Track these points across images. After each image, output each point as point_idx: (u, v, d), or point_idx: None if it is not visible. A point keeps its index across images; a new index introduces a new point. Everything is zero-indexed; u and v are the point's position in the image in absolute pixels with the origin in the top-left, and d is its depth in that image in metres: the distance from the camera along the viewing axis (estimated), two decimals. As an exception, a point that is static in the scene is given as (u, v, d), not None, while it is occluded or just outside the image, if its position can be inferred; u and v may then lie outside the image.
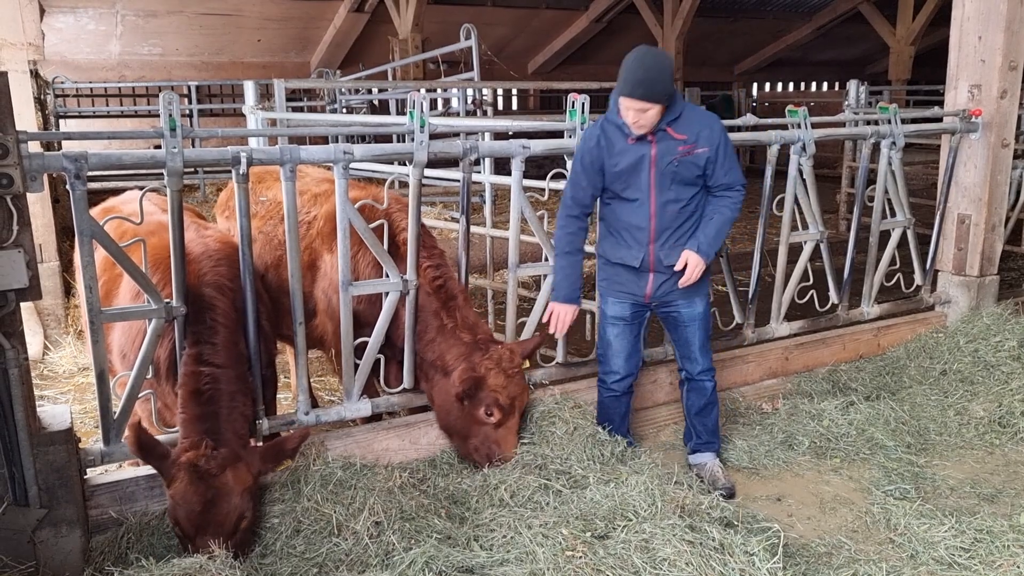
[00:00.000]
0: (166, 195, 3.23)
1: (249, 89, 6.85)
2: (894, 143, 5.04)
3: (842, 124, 5.91)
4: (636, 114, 3.46)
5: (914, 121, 5.48)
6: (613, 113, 3.62)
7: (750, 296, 4.82)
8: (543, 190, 4.51)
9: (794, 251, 4.85)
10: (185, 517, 2.96)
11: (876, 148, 5.11)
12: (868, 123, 5.49)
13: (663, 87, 3.42)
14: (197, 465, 2.95)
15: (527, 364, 4.01)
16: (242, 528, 3.05)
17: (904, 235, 5.35)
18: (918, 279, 5.56)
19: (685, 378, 4.03)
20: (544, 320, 3.85)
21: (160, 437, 3.43)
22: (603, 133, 3.65)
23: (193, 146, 3.47)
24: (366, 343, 3.76)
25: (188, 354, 3.25)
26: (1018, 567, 2.98)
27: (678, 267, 3.67)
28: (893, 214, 5.32)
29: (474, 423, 3.72)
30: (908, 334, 5.42)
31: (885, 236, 5.30)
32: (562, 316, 3.79)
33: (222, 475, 2.97)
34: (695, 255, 3.65)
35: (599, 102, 4.39)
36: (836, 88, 23.89)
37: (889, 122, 5.03)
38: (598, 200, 3.80)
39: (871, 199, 5.18)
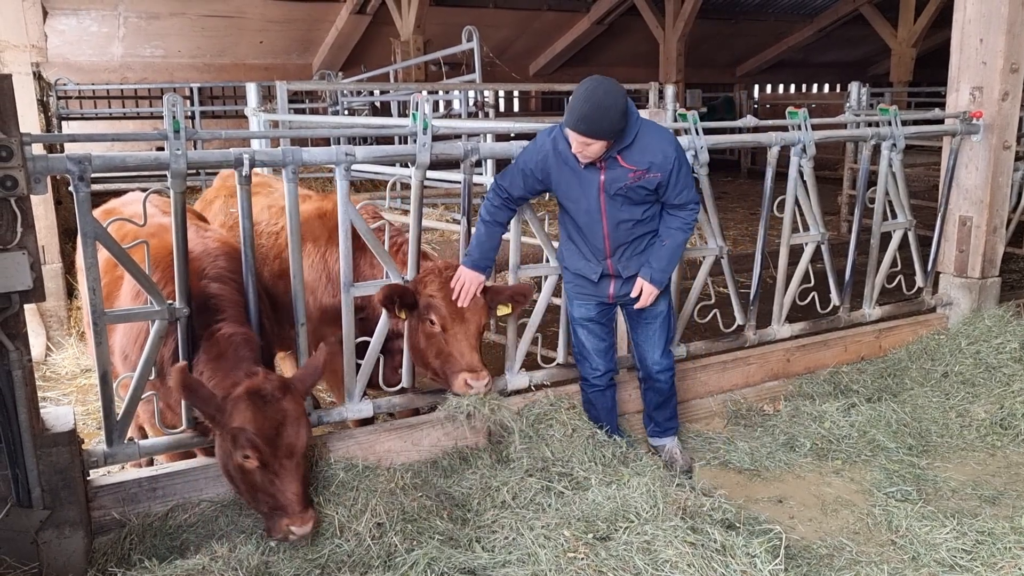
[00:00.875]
0: (168, 197, 3.24)
1: (251, 91, 6.86)
2: (895, 145, 5.04)
3: (843, 126, 5.91)
4: (580, 145, 3.43)
5: (915, 123, 5.49)
6: (560, 137, 3.59)
7: (751, 298, 4.83)
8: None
9: (795, 253, 4.85)
10: (264, 441, 2.93)
11: (877, 150, 5.12)
12: (869, 125, 5.49)
13: (608, 124, 3.34)
14: (261, 390, 2.98)
15: (503, 310, 3.90)
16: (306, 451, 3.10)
17: (905, 237, 5.35)
18: (919, 281, 5.56)
19: (642, 376, 4.11)
20: (453, 287, 3.65)
21: (163, 439, 3.46)
22: (554, 148, 3.61)
23: (195, 148, 3.48)
24: (366, 343, 3.77)
25: (204, 334, 3.29)
26: (1020, 569, 2.98)
27: (633, 294, 3.78)
28: (894, 216, 5.33)
29: (425, 338, 3.63)
30: (909, 336, 5.42)
31: (886, 238, 5.31)
32: (467, 284, 3.60)
33: (284, 398, 3.01)
34: (648, 284, 3.74)
35: (601, 104, 4.38)
36: (837, 90, 23.90)
37: (890, 124, 5.03)
38: (562, 210, 3.82)
39: (872, 201, 5.18)
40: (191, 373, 3.23)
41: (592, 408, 4.08)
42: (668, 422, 4.15)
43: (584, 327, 3.96)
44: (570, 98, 3.45)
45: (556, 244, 4.20)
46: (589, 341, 3.97)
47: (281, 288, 4.08)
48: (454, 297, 3.62)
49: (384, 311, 3.72)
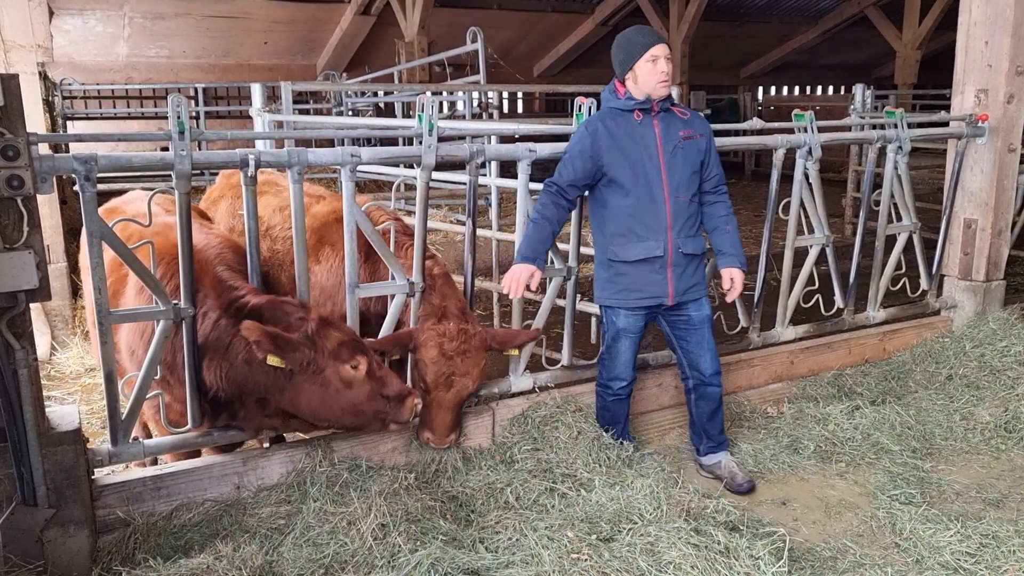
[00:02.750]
0: (173, 197, 3.25)
1: (256, 91, 6.87)
2: (900, 147, 5.04)
3: (848, 128, 5.91)
4: (666, 62, 3.59)
5: (920, 125, 5.48)
6: (611, 101, 3.71)
7: (755, 300, 4.82)
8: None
9: (800, 255, 4.85)
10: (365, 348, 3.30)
11: (882, 152, 5.11)
12: (874, 127, 5.49)
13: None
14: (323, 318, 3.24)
15: (515, 352, 3.94)
16: None
17: (910, 239, 5.35)
18: (924, 284, 5.55)
19: (693, 386, 3.99)
20: (503, 285, 3.67)
21: (167, 438, 3.47)
22: (603, 124, 3.68)
23: (200, 148, 3.49)
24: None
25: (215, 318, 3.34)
26: (1024, 572, 2.98)
27: (727, 286, 3.80)
28: (899, 218, 5.32)
29: (416, 381, 3.70)
30: (914, 339, 5.41)
31: (891, 240, 5.30)
32: (517, 275, 3.59)
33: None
34: (739, 271, 3.79)
35: (605, 105, 4.38)
36: (842, 92, 23.86)
37: (895, 126, 5.02)
38: (602, 207, 3.77)
39: (877, 203, 5.18)
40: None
41: (607, 414, 4.01)
42: (721, 434, 4.02)
43: (628, 338, 3.86)
44: (619, 50, 3.68)
45: (565, 247, 4.20)
46: (631, 351, 3.88)
47: (291, 291, 4.05)
48: (505, 290, 3.64)
49: (388, 312, 3.74)
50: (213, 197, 4.89)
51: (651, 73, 3.59)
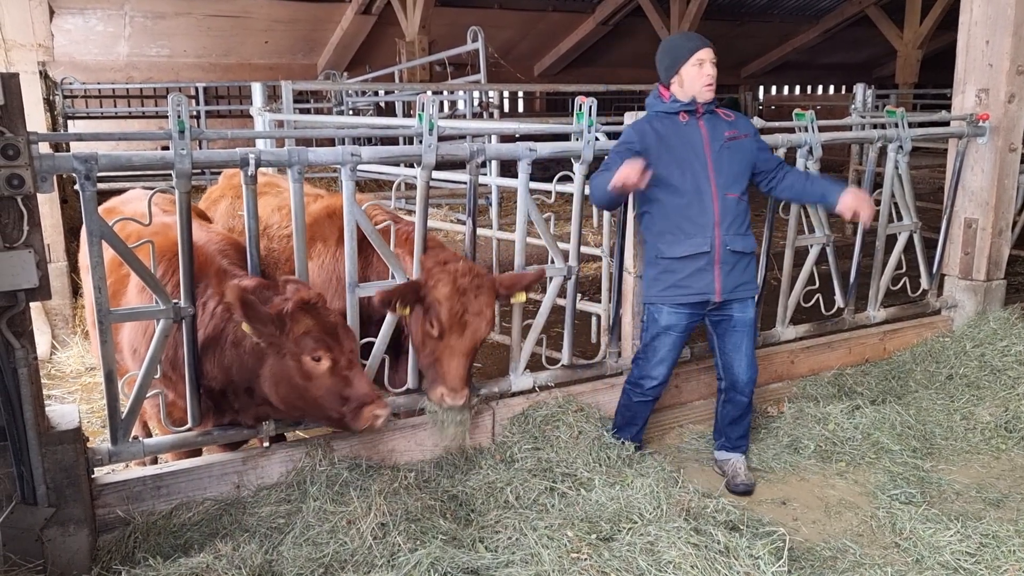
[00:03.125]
0: (174, 196, 3.25)
1: (256, 91, 6.87)
2: (901, 147, 5.04)
3: (849, 128, 5.91)
4: (711, 66, 3.67)
5: (921, 125, 5.48)
6: (656, 106, 3.78)
7: (756, 299, 4.82)
8: (549, 192, 4.52)
9: (800, 255, 4.85)
10: (345, 333, 3.27)
11: (883, 152, 5.11)
12: (875, 127, 5.48)
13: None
14: (310, 298, 3.19)
15: (523, 298, 3.88)
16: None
17: (910, 239, 5.34)
18: (924, 283, 5.55)
19: (724, 388, 3.99)
20: (615, 183, 3.51)
21: (167, 437, 3.47)
22: (651, 125, 3.75)
23: (200, 147, 3.49)
24: (370, 344, 3.77)
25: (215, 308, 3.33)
26: (1024, 572, 2.98)
27: (849, 217, 3.78)
28: (900, 218, 5.32)
29: (424, 336, 3.59)
30: (914, 338, 5.41)
31: (891, 240, 5.30)
32: (630, 169, 3.44)
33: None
34: (851, 193, 3.76)
35: (605, 104, 4.40)
36: (843, 91, 23.84)
37: (896, 126, 5.02)
38: (650, 205, 3.79)
39: (878, 203, 5.17)
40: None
41: (628, 413, 4.00)
42: (740, 440, 4.03)
43: (669, 335, 3.84)
44: (665, 55, 3.76)
45: (562, 246, 4.20)
46: (671, 352, 3.87)
47: None
48: (618, 182, 3.47)
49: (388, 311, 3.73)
50: (213, 197, 4.89)
51: (697, 76, 3.67)
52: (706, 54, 3.67)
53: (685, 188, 3.69)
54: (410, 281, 3.67)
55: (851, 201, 3.76)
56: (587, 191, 3.97)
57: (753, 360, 3.94)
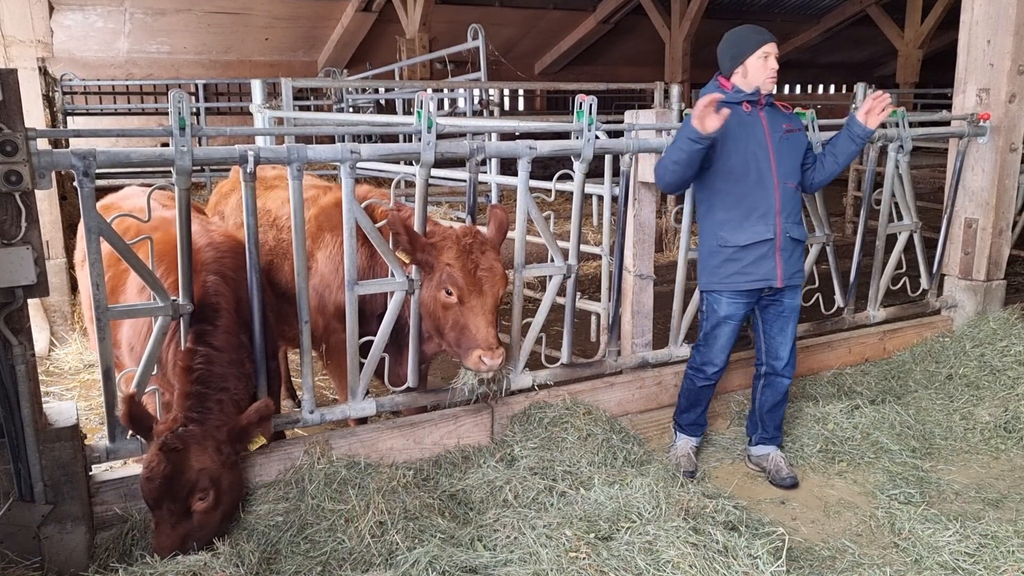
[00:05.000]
0: (173, 193, 3.24)
1: (256, 88, 6.86)
2: (901, 147, 5.03)
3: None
4: (775, 59, 3.77)
5: (922, 125, 5.47)
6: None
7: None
8: (549, 191, 4.51)
9: (800, 254, 4.83)
10: (146, 487, 2.99)
11: (883, 151, 5.10)
12: (876, 126, 5.46)
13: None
14: (164, 439, 2.98)
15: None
16: (198, 510, 3.02)
17: (911, 239, 5.34)
18: (924, 283, 5.55)
19: (764, 372, 4.06)
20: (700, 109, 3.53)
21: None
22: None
23: (200, 144, 3.48)
24: (370, 342, 3.77)
25: (191, 332, 3.28)
26: (1022, 572, 2.97)
27: (866, 108, 3.79)
28: (900, 218, 5.31)
29: (441, 309, 3.59)
30: (914, 338, 5.41)
31: (892, 240, 5.29)
32: (702, 109, 3.50)
33: (184, 451, 2.98)
34: (863, 105, 3.84)
35: (606, 103, 4.39)
36: (844, 91, 23.83)
37: (896, 125, 5.01)
38: (711, 194, 3.84)
39: (878, 202, 5.17)
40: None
41: (692, 397, 4.07)
42: (777, 429, 4.10)
43: (728, 324, 3.91)
44: (731, 46, 3.84)
45: (561, 245, 4.19)
46: (730, 340, 3.94)
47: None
48: (697, 115, 3.52)
49: (388, 309, 3.73)
50: (224, 191, 4.89)
51: (762, 68, 3.76)
52: (771, 48, 3.78)
53: (749, 177, 3.77)
54: (416, 232, 3.61)
55: (868, 106, 3.83)
56: (652, 177, 4.03)
57: (795, 345, 4.05)
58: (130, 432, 3.22)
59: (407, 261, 3.65)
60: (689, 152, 3.62)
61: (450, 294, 3.54)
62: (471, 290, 3.53)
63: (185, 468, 2.97)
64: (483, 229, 3.82)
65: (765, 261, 3.80)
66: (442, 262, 3.55)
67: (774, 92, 3.87)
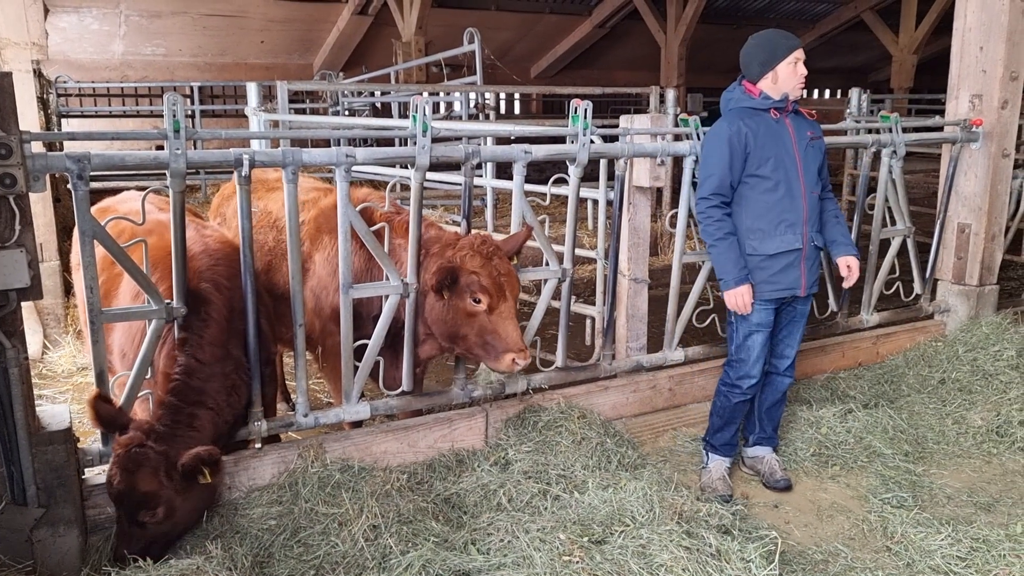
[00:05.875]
0: (167, 196, 3.24)
1: (252, 91, 6.85)
2: (895, 152, 5.05)
3: (844, 132, 5.92)
4: (802, 65, 3.76)
5: (915, 130, 5.49)
6: (744, 102, 3.82)
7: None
8: (544, 195, 4.52)
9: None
10: (108, 490, 3.06)
11: (877, 156, 5.12)
12: (869, 131, 5.49)
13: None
14: (118, 455, 3.00)
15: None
16: (149, 524, 3.03)
17: (904, 244, 5.36)
18: (917, 288, 5.57)
19: (766, 371, 4.04)
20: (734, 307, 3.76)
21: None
22: (742, 123, 3.77)
23: (195, 147, 3.48)
24: (365, 345, 3.77)
25: (176, 340, 3.27)
26: (1014, 577, 2.99)
27: (844, 273, 3.94)
28: (893, 222, 5.33)
29: (466, 317, 3.60)
30: (907, 342, 5.42)
31: (885, 244, 5.31)
32: (743, 298, 3.74)
33: (136, 472, 2.98)
34: (855, 259, 3.94)
35: (601, 107, 4.41)
36: (838, 96, 23.90)
37: (890, 131, 5.03)
38: (738, 203, 3.82)
39: (871, 207, 5.19)
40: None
41: (727, 414, 3.98)
42: (775, 430, 4.12)
43: (760, 332, 3.86)
44: (761, 51, 3.81)
45: (556, 248, 4.20)
46: (763, 349, 3.89)
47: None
48: (737, 310, 3.78)
49: (382, 313, 3.73)
50: (227, 193, 4.89)
51: (792, 75, 3.76)
52: (801, 53, 3.77)
53: (778, 185, 3.76)
54: (448, 266, 3.62)
55: (847, 263, 3.93)
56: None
57: (798, 348, 4.08)
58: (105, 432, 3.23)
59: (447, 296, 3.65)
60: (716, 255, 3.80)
61: (479, 302, 3.55)
62: (500, 297, 3.56)
63: (135, 486, 2.99)
64: (497, 235, 3.82)
65: (791, 270, 3.79)
66: (468, 272, 3.55)
67: (800, 98, 3.86)
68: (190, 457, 3.00)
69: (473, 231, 3.79)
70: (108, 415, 3.04)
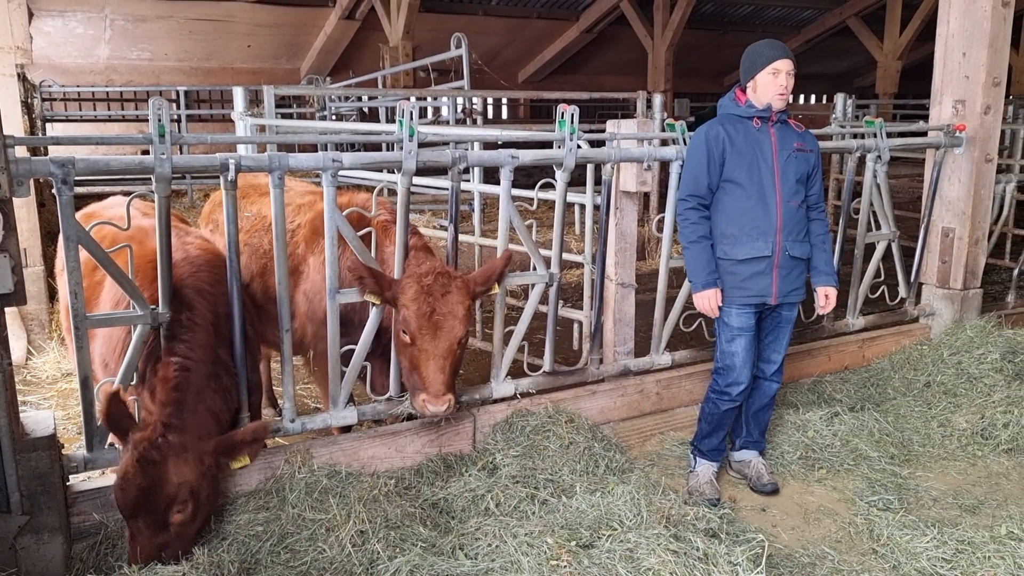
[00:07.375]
0: (153, 201, 3.22)
1: (238, 95, 6.84)
2: (880, 157, 5.08)
3: (829, 137, 5.95)
4: (787, 77, 3.76)
5: (900, 135, 5.53)
6: (730, 108, 3.87)
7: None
8: (532, 199, 4.53)
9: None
10: (121, 497, 2.93)
11: (862, 161, 5.16)
12: (855, 136, 5.53)
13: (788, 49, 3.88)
14: (141, 450, 2.92)
15: (495, 289, 3.83)
16: (176, 522, 2.98)
17: (889, 248, 5.39)
18: (903, 292, 5.60)
19: (754, 375, 4.05)
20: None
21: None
22: (724, 129, 3.81)
23: (181, 152, 3.47)
24: (352, 350, 3.76)
25: (164, 347, 3.25)
26: (999, 578, 3.01)
27: (822, 302, 4.01)
28: (878, 227, 5.37)
29: (400, 344, 3.57)
30: (892, 346, 5.46)
31: (870, 249, 5.34)
32: (709, 301, 3.81)
33: (163, 463, 2.93)
34: (833, 289, 4.00)
35: (588, 112, 4.42)
36: (824, 101, 24.07)
37: (875, 136, 5.07)
38: (713, 208, 3.87)
39: (856, 212, 5.22)
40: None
41: (715, 421, 3.98)
42: (761, 435, 4.14)
43: (743, 337, 3.88)
44: (746, 59, 3.83)
45: (544, 253, 4.21)
46: (748, 353, 3.91)
47: (290, 287, 4.03)
48: (705, 312, 3.82)
49: (369, 318, 3.72)
50: (219, 200, 4.83)
51: (771, 84, 3.77)
52: (783, 64, 3.75)
53: (751, 192, 3.79)
54: (381, 273, 3.62)
55: (825, 293, 4.00)
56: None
57: (785, 353, 4.10)
58: (109, 440, 3.20)
59: (377, 303, 3.63)
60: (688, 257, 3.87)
61: (404, 334, 3.52)
62: (423, 334, 3.48)
63: (164, 481, 2.93)
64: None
65: (762, 277, 3.81)
66: (400, 302, 3.52)
67: (785, 109, 3.85)
68: (248, 430, 3.06)
69: (435, 261, 3.73)
70: (119, 415, 2.97)
